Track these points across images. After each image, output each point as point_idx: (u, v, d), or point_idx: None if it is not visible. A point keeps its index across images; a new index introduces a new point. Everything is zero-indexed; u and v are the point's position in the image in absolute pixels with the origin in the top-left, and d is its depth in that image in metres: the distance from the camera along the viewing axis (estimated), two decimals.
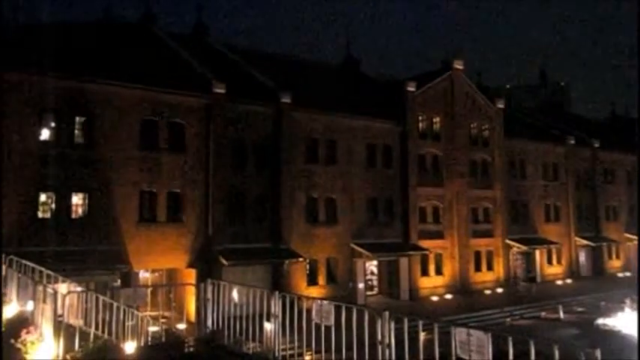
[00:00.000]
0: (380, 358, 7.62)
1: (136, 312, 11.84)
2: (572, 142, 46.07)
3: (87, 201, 24.22)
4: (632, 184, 51.09)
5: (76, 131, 24.51)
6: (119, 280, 23.25)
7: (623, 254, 49.41)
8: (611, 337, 23.78)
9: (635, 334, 23.69)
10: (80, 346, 9.65)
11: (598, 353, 5.48)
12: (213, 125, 27.55)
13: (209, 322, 11.14)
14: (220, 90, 27.76)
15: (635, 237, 49.60)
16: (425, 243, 34.84)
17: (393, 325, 7.59)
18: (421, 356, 7.25)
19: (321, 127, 31.61)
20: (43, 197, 23.29)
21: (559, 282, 42.12)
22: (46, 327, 10.15)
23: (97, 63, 26.05)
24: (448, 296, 34.87)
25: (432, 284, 35.40)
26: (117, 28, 33.50)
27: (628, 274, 46.95)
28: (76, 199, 24.11)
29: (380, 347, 7.61)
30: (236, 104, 28.47)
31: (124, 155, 25.14)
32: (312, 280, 30.58)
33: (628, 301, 26.97)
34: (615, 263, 48.58)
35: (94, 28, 31.92)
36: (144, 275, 26.70)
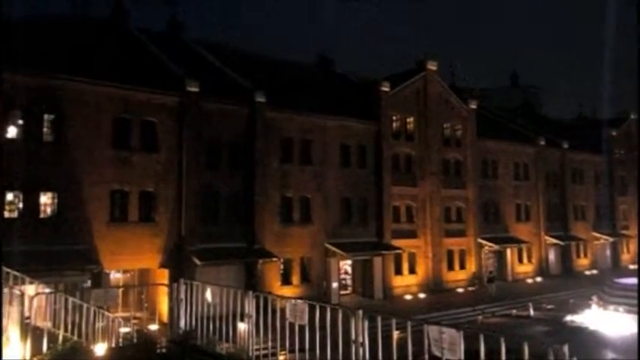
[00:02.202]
0: (354, 356, 7.65)
1: (106, 313, 11.68)
2: (543, 142, 46.99)
3: (56, 200, 23.71)
4: (599, 183, 52.42)
5: (45, 129, 23.96)
6: (89, 281, 22.82)
7: (590, 252, 50.63)
8: (579, 333, 24.33)
9: (601, 329, 24.34)
10: (48, 349, 9.47)
11: (566, 349, 5.61)
12: (187, 124, 27.28)
13: (182, 323, 11.05)
14: (194, 88, 27.49)
15: (602, 236, 50.96)
16: (398, 242, 35.09)
17: (366, 323, 7.63)
18: (394, 354, 7.30)
19: (295, 127, 31.57)
20: (9, 196, 22.72)
21: (529, 280, 42.90)
22: (12, 329, 9.92)
23: (67, 59, 25.53)
24: (421, 295, 35.19)
25: (406, 283, 35.68)
26: (87, 24, 32.87)
27: (595, 271, 48.10)
28: (45, 199, 23.58)
29: (354, 346, 7.65)
30: (210, 103, 28.23)
31: (94, 154, 24.70)
32: (286, 280, 30.52)
33: (595, 299, 27.61)
34: (583, 261, 49.72)
35: (64, 23, 31.26)
36: (115, 276, 26.26)
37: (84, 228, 24.02)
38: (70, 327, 10.61)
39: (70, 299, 11.02)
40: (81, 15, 34.09)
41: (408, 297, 34.44)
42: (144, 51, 32.21)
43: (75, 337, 10.54)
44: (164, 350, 10.68)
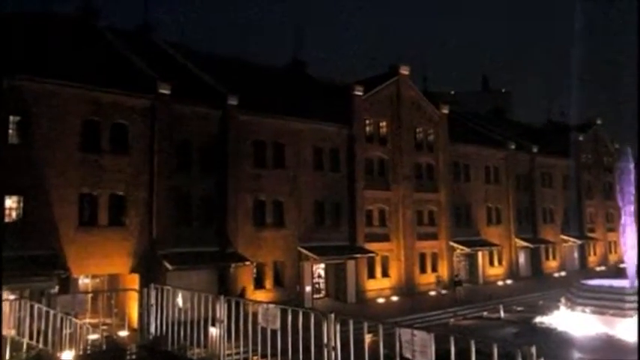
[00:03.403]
0: None
1: (74, 319, 11.41)
2: (513, 147, 47.79)
3: (22, 204, 23.11)
4: (567, 187, 53.60)
5: (11, 131, 23.34)
6: (57, 287, 22.30)
7: (559, 255, 51.67)
8: (548, 334, 24.75)
9: (569, 330, 24.82)
10: (12, 358, 9.20)
11: (533, 350, 5.70)
12: (158, 126, 26.92)
13: (152, 328, 10.89)
14: (165, 90, 27.16)
15: (569, 238, 52.09)
16: (371, 246, 35.23)
17: (338, 327, 7.62)
18: (366, 357, 7.31)
19: (268, 130, 31.46)
20: None
21: (500, 283, 43.53)
22: None
23: (34, 59, 24.97)
24: (394, 298, 35.39)
25: (379, 286, 35.83)
26: (56, 22, 32.17)
27: (563, 273, 49.12)
28: (10, 202, 22.94)
29: (326, 350, 7.63)
30: (182, 105, 27.93)
31: (63, 156, 24.17)
32: (258, 284, 30.33)
33: (563, 300, 28.13)
34: (552, 264, 50.71)
35: (31, 21, 30.55)
36: (84, 281, 25.73)
37: (51, 232, 23.46)
38: (35, 335, 10.34)
39: (36, 306, 10.73)
40: (48, 13, 33.31)
41: (381, 300, 34.58)
42: (114, 52, 31.70)
43: (40, 345, 10.27)
44: (134, 356, 10.50)
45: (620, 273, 32.70)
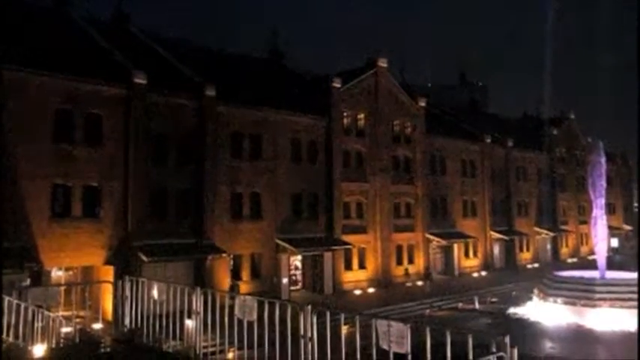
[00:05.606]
0: (302, 352, 7.64)
1: (46, 312, 11.21)
2: (489, 140, 48.32)
3: None
4: (541, 181, 54.52)
5: None
6: (28, 279, 21.89)
7: (532, 247, 52.62)
8: (521, 324, 25.21)
9: (541, 320, 25.32)
10: None
11: (507, 340, 5.79)
12: (134, 117, 26.50)
13: (127, 321, 10.77)
14: (141, 80, 26.73)
15: (543, 231, 53.06)
16: (348, 238, 35.35)
17: (315, 319, 7.63)
18: (343, 349, 7.34)
19: (245, 122, 31.24)
20: None
21: (475, 274, 44.16)
22: None
23: (5, 46, 24.28)
24: (371, 290, 35.62)
25: (356, 278, 36.01)
26: (28, 10, 31.39)
27: (536, 265, 50.04)
28: None
29: (302, 341, 7.63)
30: (158, 96, 27.54)
31: (35, 147, 23.63)
32: (235, 276, 30.23)
33: (536, 291, 28.66)
34: (525, 255, 51.61)
35: (2, 8, 29.69)
36: (57, 273, 25.30)
37: (22, 224, 22.97)
38: (5, 328, 10.12)
39: (6, 299, 10.50)
40: (20, 0, 32.44)
41: (358, 292, 34.78)
42: (89, 40, 31.04)
43: (10, 339, 10.07)
44: (108, 349, 10.36)
45: (591, 265, 33.44)
